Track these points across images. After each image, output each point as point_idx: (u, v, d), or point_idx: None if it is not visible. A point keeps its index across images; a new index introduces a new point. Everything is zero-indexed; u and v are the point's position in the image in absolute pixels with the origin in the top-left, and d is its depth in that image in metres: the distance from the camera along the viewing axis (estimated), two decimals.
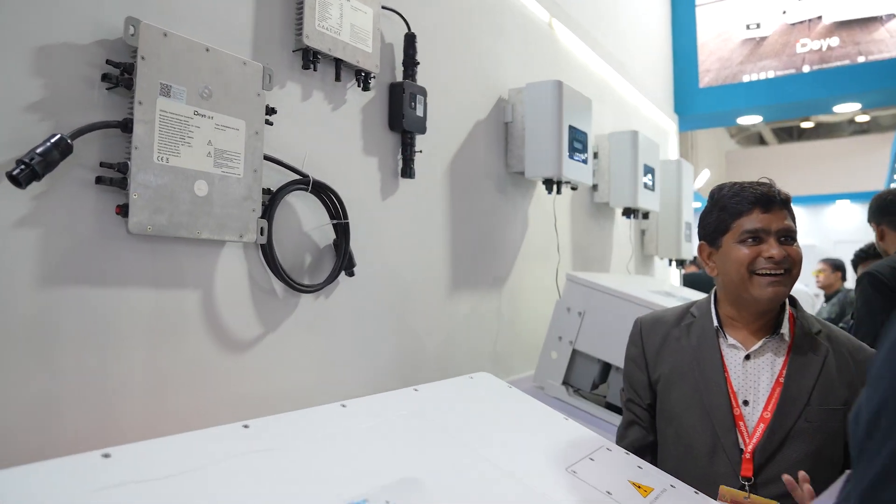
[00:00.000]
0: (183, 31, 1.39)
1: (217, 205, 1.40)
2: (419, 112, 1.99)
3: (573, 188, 2.70)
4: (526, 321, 2.73)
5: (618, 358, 2.36)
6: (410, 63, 1.98)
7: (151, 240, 1.34)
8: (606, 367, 2.49)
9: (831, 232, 12.56)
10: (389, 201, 1.97)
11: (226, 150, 1.42)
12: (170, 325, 1.38)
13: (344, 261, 1.72)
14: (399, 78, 2.01)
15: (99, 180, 1.23)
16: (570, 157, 2.53)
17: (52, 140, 1.13)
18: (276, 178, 1.59)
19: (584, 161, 2.66)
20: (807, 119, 12.81)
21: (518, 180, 2.67)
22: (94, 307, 1.24)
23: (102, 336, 1.25)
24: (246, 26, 1.55)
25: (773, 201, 1.48)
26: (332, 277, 1.70)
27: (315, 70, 1.67)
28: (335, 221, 1.71)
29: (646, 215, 3.60)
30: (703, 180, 10.54)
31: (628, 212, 3.40)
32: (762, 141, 14.99)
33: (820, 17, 4.55)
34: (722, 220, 1.53)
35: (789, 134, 14.63)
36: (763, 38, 4.74)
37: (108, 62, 1.25)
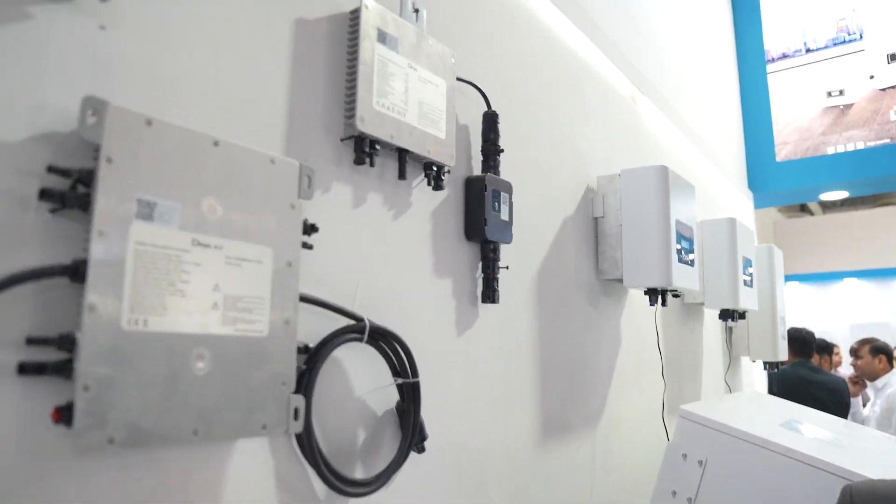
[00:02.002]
0: (178, 115, 0.91)
1: (227, 383, 0.88)
2: (504, 215, 1.48)
3: (676, 296, 2.16)
4: (625, 468, 2.15)
5: None
6: (492, 151, 1.49)
7: (119, 453, 0.82)
8: None
9: None
10: (467, 336, 1.44)
11: (242, 297, 0.91)
12: None
13: (413, 436, 1.18)
14: (476, 168, 1.51)
15: (24, 369, 0.72)
16: (679, 261, 2.00)
17: None
18: (316, 323, 1.08)
19: (692, 262, 2.13)
20: None
21: (610, 287, 2.14)
22: None
23: None
24: (276, 105, 1.07)
25: None
26: (397, 464, 1.16)
27: (372, 165, 1.18)
28: (400, 381, 1.18)
29: (742, 315, 3.03)
30: None
31: (726, 314, 2.84)
32: (804, 209, 14.32)
33: None
34: None
35: (833, 202, 13.96)
36: (848, 106, 4.24)
37: (50, 170, 0.76)
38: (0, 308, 0.72)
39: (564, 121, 1.99)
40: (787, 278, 11.83)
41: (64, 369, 0.74)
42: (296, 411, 0.97)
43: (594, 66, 2.24)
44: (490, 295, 1.45)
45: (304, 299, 1.03)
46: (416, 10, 1.33)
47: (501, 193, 1.47)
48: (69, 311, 0.77)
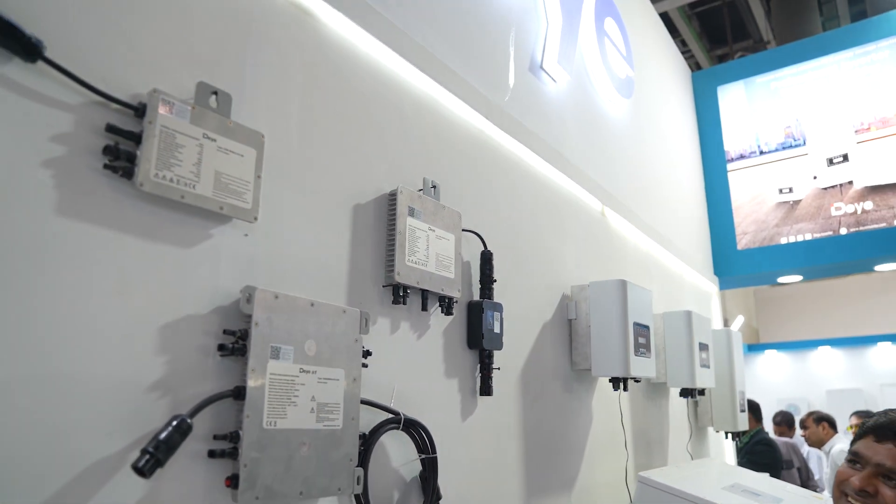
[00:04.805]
0: (289, 287, 1.43)
1: (318, 461, 1.37)
2: (496, 329, 2.00)
3: (636, 381, 2.66)
4: None
5: None
6: (488, 281, 2.02)
7: None
8: None
9: (877, 375, 11.65)
10: (468, 422, 1.94)
11: (327, 404, 1.42)
12: None
13: (432, 497, 1.66)
14: (475, 294, 2.04)
15: (212, 454, 1.22)
16: (637, 354, 2.51)
17: (174, 423, 1.12)
18: (367, 417, 1.57)
19: (648, 355, 2.64)
20: None
21: (582, 375, 2.64)
22: None
23: None
24: (341, 268, 1.60)
25: (886, 434, 1.48)
26: None
27: (404, 304, 1.70)
28: (423, 457, 1.67)
29: (702, 392, 3.52)
30: (737, 326, 10.42)
31: (686, 392, 3.33)
32: None
33: (851, 182, 4.65)
34: (856, 436, 1.57)
35: None
36: (797, 202, 4.84)
37: (225, 332, 1.28)
38: (200, 418, 1.21)
39: (545, 242, 2.53)
40: (766, 347, 12.12)
41: (233, 454, 1.23)
42: (358, 478, 1.46)
43: (569, 192, 2.80)
44: (486, 390, 1.95)
45: (362, 402, 1.53)
46: (434, 186, 1.88)
47: (495, 313, 1.99)
48: (233, 419, 1.27)
